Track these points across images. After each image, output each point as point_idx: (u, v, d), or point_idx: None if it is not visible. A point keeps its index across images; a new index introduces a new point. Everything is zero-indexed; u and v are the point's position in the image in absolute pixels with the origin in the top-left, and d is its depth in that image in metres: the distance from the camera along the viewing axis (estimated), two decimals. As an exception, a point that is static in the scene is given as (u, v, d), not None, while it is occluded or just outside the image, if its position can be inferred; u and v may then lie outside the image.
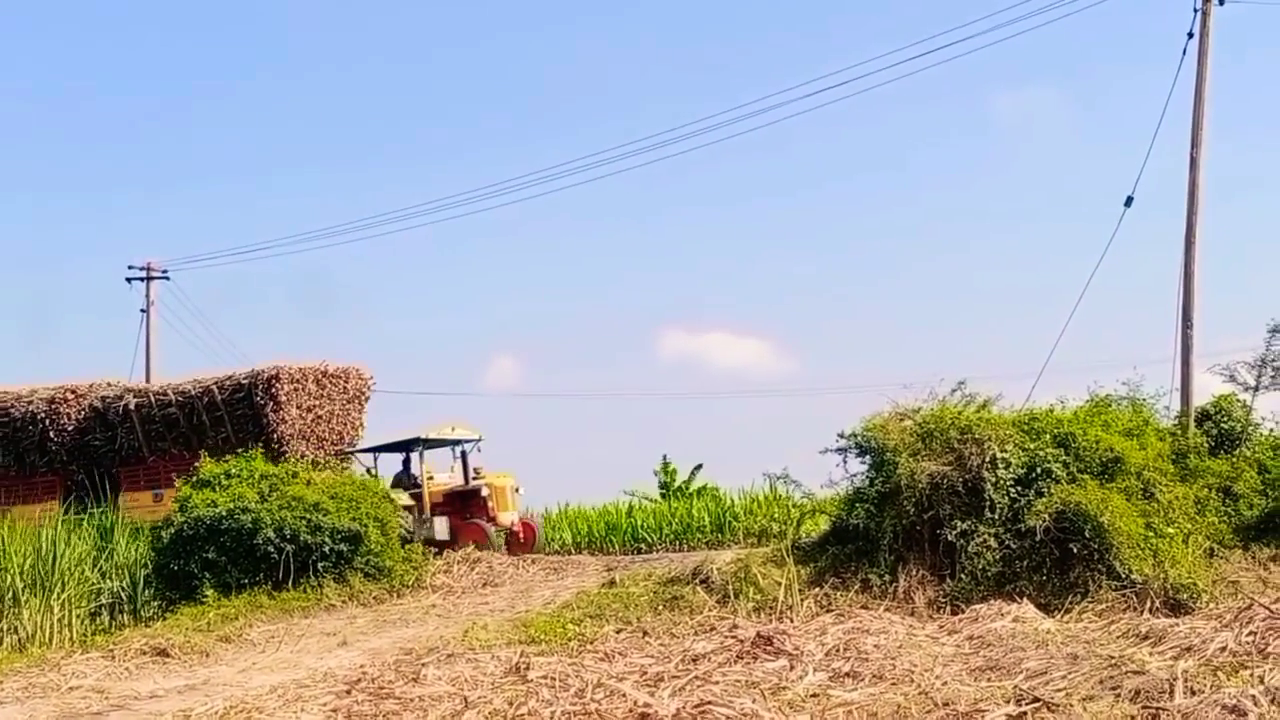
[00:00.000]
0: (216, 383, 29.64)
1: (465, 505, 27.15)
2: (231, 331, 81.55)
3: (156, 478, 29.86)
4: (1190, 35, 20.63)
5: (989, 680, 11.06)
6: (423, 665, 12.97)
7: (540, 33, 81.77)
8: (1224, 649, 11.61)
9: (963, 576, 17.00)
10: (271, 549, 20.66)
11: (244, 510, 21.07)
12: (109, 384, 31.98)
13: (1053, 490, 17.24)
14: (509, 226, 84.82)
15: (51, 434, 30.71)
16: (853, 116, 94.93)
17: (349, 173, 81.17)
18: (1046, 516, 16.82)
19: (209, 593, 20.22)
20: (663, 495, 40.29)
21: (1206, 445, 19.47)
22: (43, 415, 30.72)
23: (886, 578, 17.55)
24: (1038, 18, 31.03)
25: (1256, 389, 21.18)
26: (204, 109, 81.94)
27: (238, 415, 29.13)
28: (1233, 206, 56.70)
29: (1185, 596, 15.69)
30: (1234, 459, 19.03)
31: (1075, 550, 16.55)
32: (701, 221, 78.85)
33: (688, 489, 40.45)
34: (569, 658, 13.24)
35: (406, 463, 28.46)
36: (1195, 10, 20.57)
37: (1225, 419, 19.79)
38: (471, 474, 27.47)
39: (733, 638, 13.88)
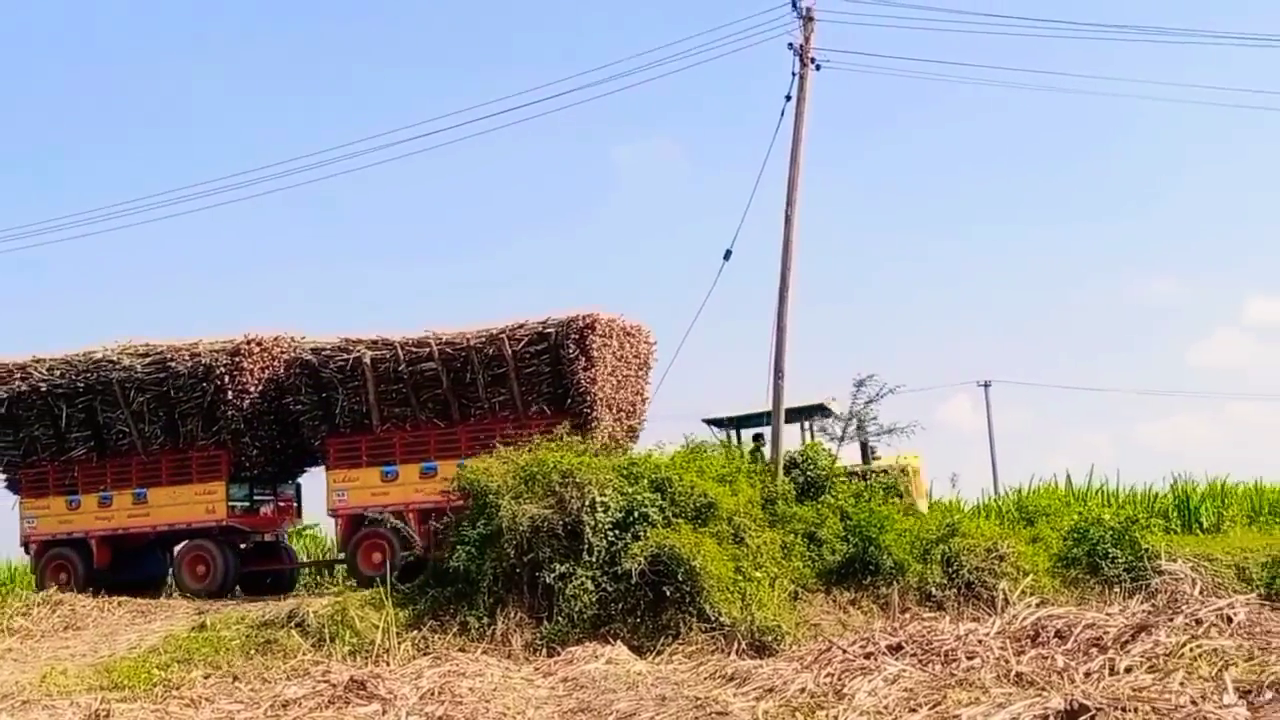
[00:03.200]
0: (506, 331, 23.55)
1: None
2: None
3: (388, 452, 24.26)
4: (788, 98, 21.53)
5: (581, 722, 11.09)
6: (-11, 716, 12.00)
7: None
8: (803, 690, 12.06)
9: (560, 619, 17.11)
10: None
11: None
12: (292, 339, 25.65)
13: (649, 534, 17.59)
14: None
15: (230, 394, 24.59)
16: (473, 158, 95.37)
17: None
18: (642, 559, 17.11)
19: None
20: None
21: (793, 492, 20.29)
22: (222, 370, 24.55)
23: (485, 620, 17.53)
24: (652, 70, 31.80)
25: (842, 439, 22.27)
26: None
27: (527, 373, 23.47)
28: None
29: (770, 638, 16.26)
30: (819, 506, 19.88)
31: (668, 593, 16.91)
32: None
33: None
34: (153, 704, 12.59)
35: (759, 437, 24.11)
36: (793, 74, 21.49)
37: (811, 467, 20.70)
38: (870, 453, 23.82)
39: (325, 682, 13.54)
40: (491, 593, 17.88)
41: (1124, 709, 9.68)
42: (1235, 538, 19.99)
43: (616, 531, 17.84)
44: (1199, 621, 14.56)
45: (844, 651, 13.73)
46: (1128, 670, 11.80)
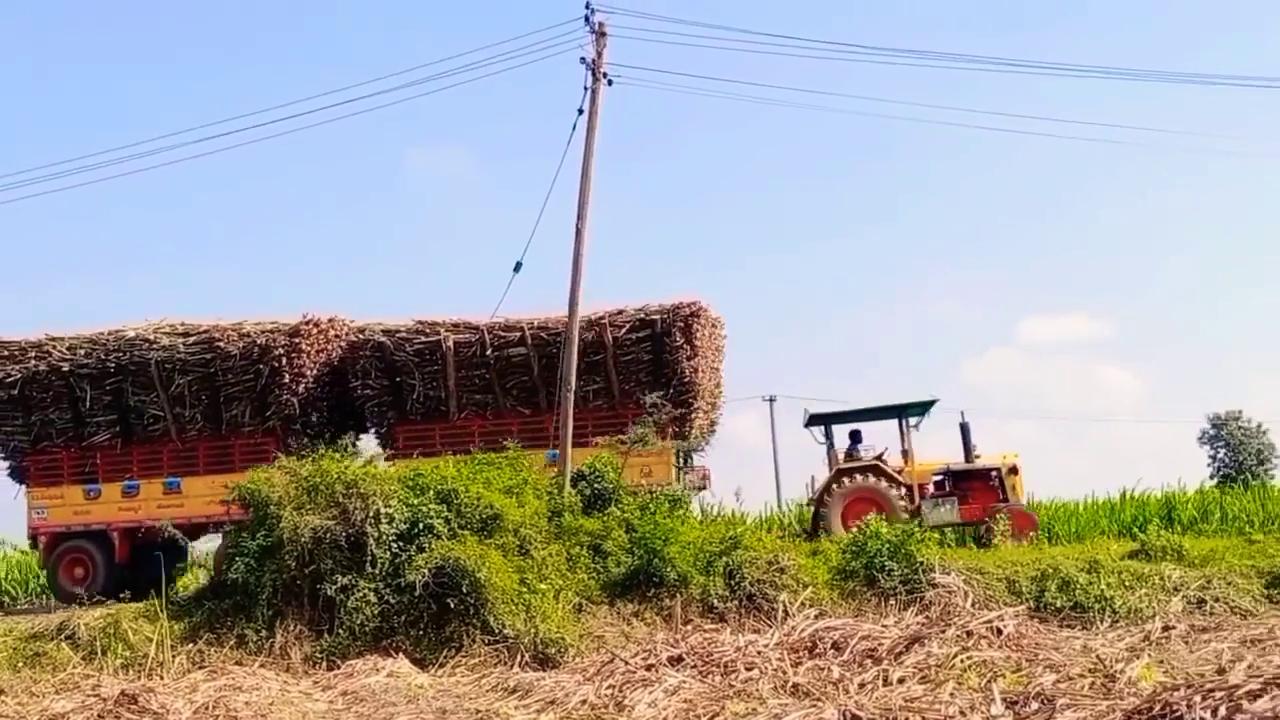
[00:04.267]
0: (609, 317, 22.92)
1: (965, 488, 23.11)
2: None
3: (465, 441, 22.92)
4: (580, 111, 21.55)
5: (359, 737, 10.92)
6: None
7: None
8: (584, 701, 12.09)
9: (341, 631, 16.84)
10: None
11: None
12: (343, 321, 24.37)
13: (434, 545, 17.43)
14: None
15: (286, 378, 23.05)
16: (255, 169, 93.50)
17: None
18: (426, 571, 16.96)
19: None
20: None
21: (580, 504, 20.29)
22: (280, 351, 23.04)
23: (264, 633, 17.16)
24: (449, 79, 31.57)
25: (627, 453, 22.27)
26: None
27: (625, 360, 22.96)
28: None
29: (554, 651, 16.24)
30: (605, 518, 19.90)
31: (453, 605, 16.77)
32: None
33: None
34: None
35: (856, 436, 23.80)
36: (585, 88, 21.51)
37: (599, 479, 20.71)
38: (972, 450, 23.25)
39: (95, 696, 13.10)
40: (271, 605, 17.50)
41: (895, 719, 9.92)
42: (1006, 552, 20.61)
43: (401, 543, 17.62)
44: (970, 633, 15.03)
45: (626, 663, 13.79)
46: (900, 681, 12.12)
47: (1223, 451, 36.86)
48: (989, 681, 11.89)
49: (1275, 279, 76.37)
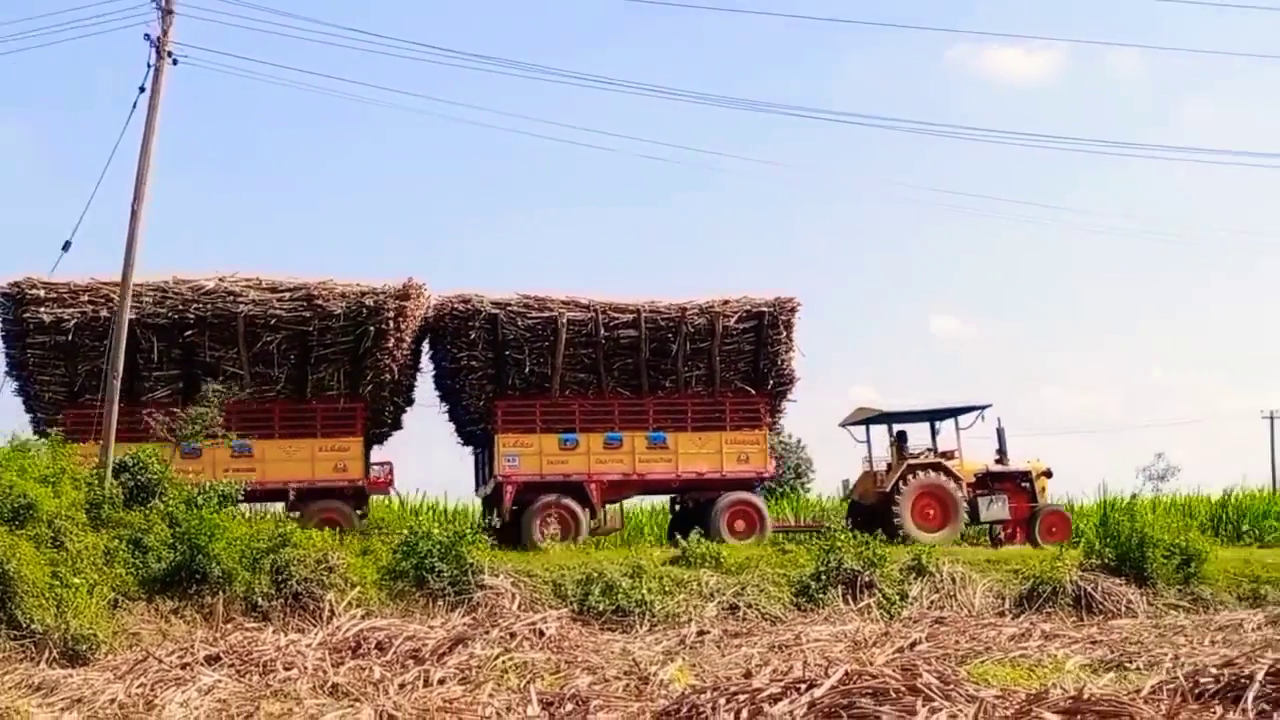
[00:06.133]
0: (723, 304, 23.47)
1: (1000, 489, 24.67)
2: None
3: (567, 419, 23.27)
4: (142, 89, 20.63)
5: None
6: None
7: None
8: (113, 700, 11.65)
9: None
10: None
11: None
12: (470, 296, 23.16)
13: (-50, 534, 16.28)
14: None
15: (391, 342, 22.23)
16: None
17: None
18: (-52, 562, 15.83)
19: None
20: None
21: (122, 496, 19.42)
22: (390, 314, 22.16)
23: None
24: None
25: (179, 442, 21.47)
26: None
27: (728, 349, 23.59)
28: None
29: (85, 648, 15.46)
30: (148, 511, 19.13)
31: (-23, 598, 15.74)
32: None
33: None
34: None
35: (903, 436, 25.26)
36: (149, 66, 20.59)
37: (143, 471, 19.87)
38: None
39: None
40: None
41: (433, 719, 10.05)
42: (554, 555, 21.19)
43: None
44: (514, 635, 15.42)
45: (160, 661, 13.38)
46: (441, 682, 12.29)
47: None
48: (528, 683, 12.20)
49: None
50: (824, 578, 19.84)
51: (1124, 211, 77.62)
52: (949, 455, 24.95)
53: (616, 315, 23.41)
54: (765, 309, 23.89)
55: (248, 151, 77.78)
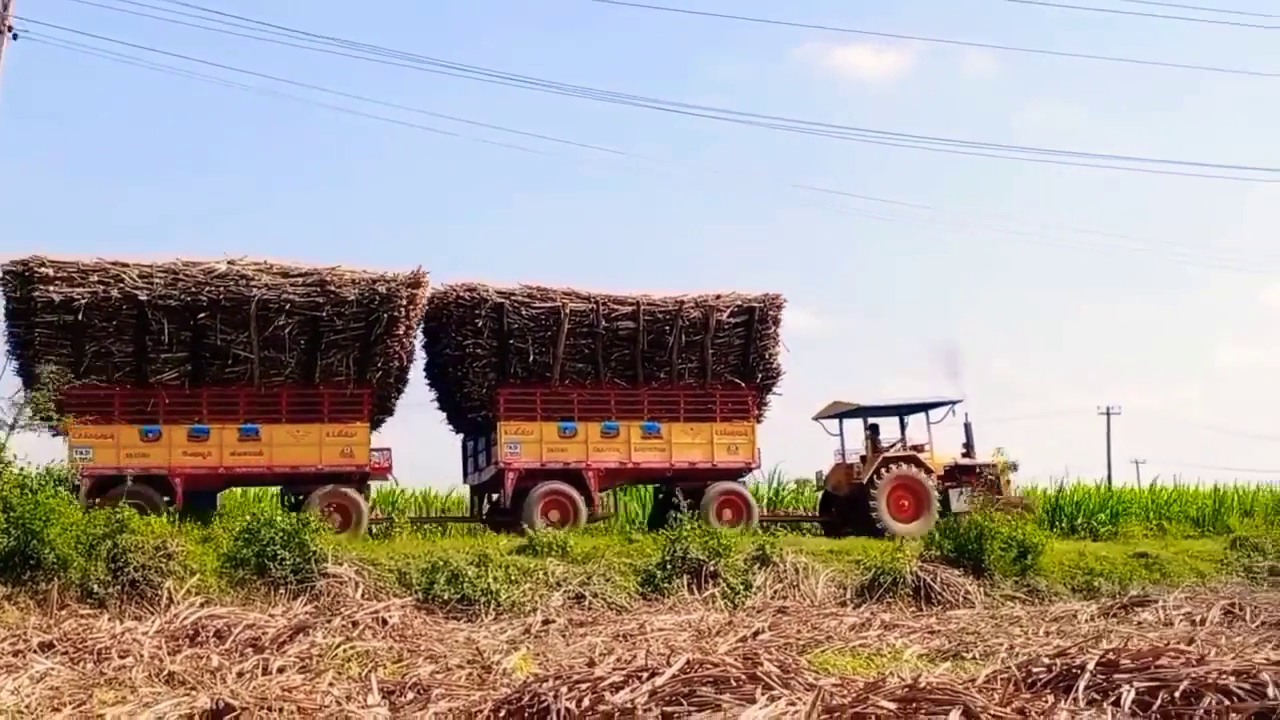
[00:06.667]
0: (716, 299, 24.46)
1: (966, 481, 25.31)
2: None
3: (566, 408, 23.83)
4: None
5: None
6: None
7: None
8: None
9: None
10: None
11: None
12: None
13: None
14: None
15: (402, 329, 22.67)
16: None
17: None
18: None
19: None
20: None
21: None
22: (404, 301, 22.43)
23: None
24: None
25: (13, 427, 20.95)
26: None
27: (719, 343, 24.54)
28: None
29: None
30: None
31: None
32: None
33: None
34: None
35: (876, 429, 26.05)
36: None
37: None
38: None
39: None
40: None
41: (270, 708, 9.93)
42: (401, 543, 21.07)
43: None
44: (356, 624, 15.26)
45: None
46: (280, 670, 12.12)
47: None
48: (370, 671, 12.08)
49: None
50: (669, 567, 20.01)
51: (981, 210, 79.50)
52: (919, 448, 25.71)
53: (616, 307, 24.06)
54: (756, 304, 24.78)
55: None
